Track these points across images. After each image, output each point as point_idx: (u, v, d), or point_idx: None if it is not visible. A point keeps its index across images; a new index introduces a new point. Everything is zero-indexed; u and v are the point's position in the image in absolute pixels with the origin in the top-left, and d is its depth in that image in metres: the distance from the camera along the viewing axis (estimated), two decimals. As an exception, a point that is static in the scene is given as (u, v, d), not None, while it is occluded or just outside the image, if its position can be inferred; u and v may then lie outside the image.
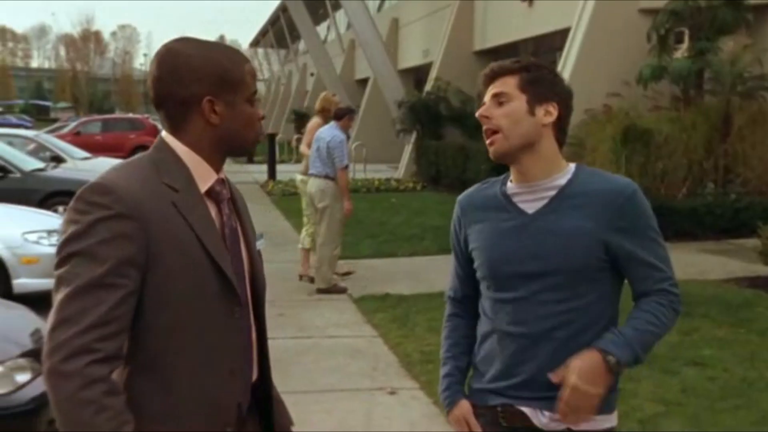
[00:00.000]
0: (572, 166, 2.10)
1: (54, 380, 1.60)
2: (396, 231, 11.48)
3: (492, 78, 2.11)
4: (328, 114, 8.39)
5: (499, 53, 17.87)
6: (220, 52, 1.79)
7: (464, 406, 2.17)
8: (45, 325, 4.50)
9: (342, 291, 7.95)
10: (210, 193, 1.79)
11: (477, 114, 2.09)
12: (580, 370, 1.93)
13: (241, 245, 1.84)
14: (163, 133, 1.80)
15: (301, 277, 8.48)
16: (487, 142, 2.07)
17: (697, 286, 7.67)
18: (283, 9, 41.86)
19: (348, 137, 8.33)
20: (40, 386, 3.91)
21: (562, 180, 2.06)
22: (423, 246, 10.33)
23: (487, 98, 2.09)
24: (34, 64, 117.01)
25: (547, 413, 2.03)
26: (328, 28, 43.83)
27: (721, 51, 11.00)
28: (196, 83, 1.73)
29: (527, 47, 19.21)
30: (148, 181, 1.70)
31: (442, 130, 18.74)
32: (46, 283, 7.54)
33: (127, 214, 1.64)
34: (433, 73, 20.22)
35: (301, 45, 46.44)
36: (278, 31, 51.25)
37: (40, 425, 3.87)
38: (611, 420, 2.08)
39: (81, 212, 1.65)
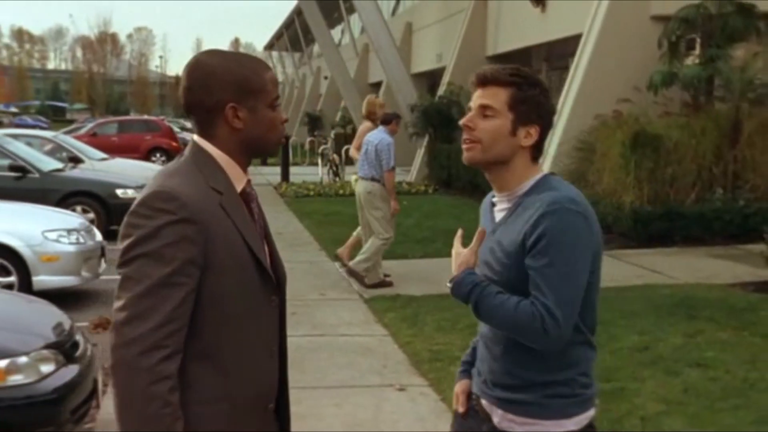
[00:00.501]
0: (538, 175, 2.15)
1: (126, 373, 1.76)
2: (408, 233, 11.60)
3: (484, 83, 2.14)
4: (375, 116, 8.76)
5: (512, 58, 17.96)
6: (243, 62, 1.94)
7: (463, 384, 2.37)
8: (66, 318, 4.66)
9: (362, 283, 8.23)
10: (242, 193, 1.96)
11: (461, 122, 2.15)
12: (456, 260, 2.16)
13: (264, 239, 2.03)
14: (196, 137, 1.96)
15: (337, 256, 9.12)
16: (464, 146, 2.15)
17: (703, 289, 7.78)
18: (297, 12, 42.07)
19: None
20: (63, 377, 4.09)
21: (523, 190, 2.14)
22: (434, 248, 10.45)
23: (474, 104, 2.14)
24: (51, 65, 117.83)
25: (499, 412, 2.17)
26: (342, 31, 44.02)
27: (732, 58, 11.07)
28: (220, 92, 1.89)
29: (540, 53, 19.31)
30: (200, 186, 1.87)
31: (454, 134, 18.82)
32: (65, 280, 7.73)
33: (189, 219, 1.80)
34: (446, 78, 20.33)
35: (315, 48, 46.69)
36: (293, 35, 51.50)
37: (64, 414, 4.04)
38: (565, 425, 2.11)
39: (147, 217, 1.81)
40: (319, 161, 21.25)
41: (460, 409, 2.35)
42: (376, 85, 29.95)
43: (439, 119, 18.81)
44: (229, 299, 1.86)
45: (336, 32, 43.62)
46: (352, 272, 8.31)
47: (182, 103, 1.96)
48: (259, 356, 1.94)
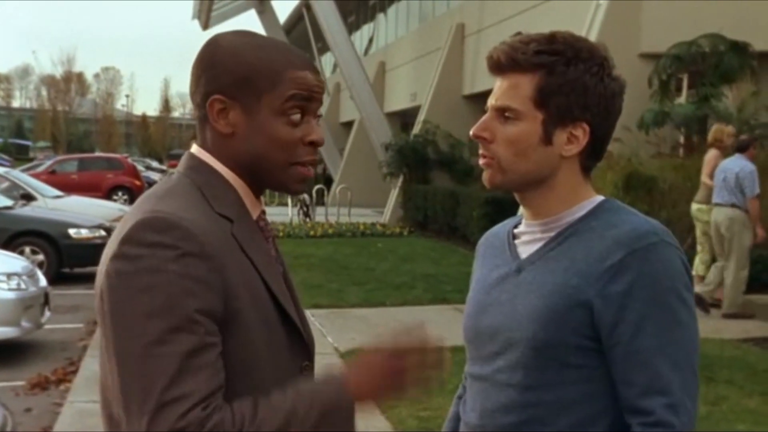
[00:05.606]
0: (596, 199, 1.51)
1: None
2: (384, 278, 10.85)
3: (499, 70, 1.49)
4: (722, 144, 8.66)
5: (490, 97, 17.52)
6: (263, 49, 1.35)
7: None
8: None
9: (750, 316, 8.07)
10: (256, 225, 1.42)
11: (471, 132, 1.50)
12: None
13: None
14: (194, 148, 1.40)
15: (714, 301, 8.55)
16: (481, 162, 1.51)
17: (713, 345, 7.08)
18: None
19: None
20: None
21: (574, 216, 1.48)
22: (414, 295, 9.71)
23: (490, 102, 1.50)
24: (16, 103, 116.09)
25: None
26: (313, 71, 43.73)
27: (726, 97, 10.61)
28: (212, 80, 1.34)
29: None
30: (205, 211, 1.31)
31: (430, 174, 18.26)
32: (2, 331, 6.89)
33: (199, 254, 1.24)
34: (421, 116, 19.84)
35: (286, 88, 46.34)
36: (262, 74, 51.18)
37: None
38: None
39: (137, 258, 1.23)
40: (289, 201, 20.49)
41: None
42: (348, 124, 29.47)
43: (414, 158, 18.26)
44: (255, 367, 1.29)
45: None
46: (730, 316, 8.05)
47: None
48: None
